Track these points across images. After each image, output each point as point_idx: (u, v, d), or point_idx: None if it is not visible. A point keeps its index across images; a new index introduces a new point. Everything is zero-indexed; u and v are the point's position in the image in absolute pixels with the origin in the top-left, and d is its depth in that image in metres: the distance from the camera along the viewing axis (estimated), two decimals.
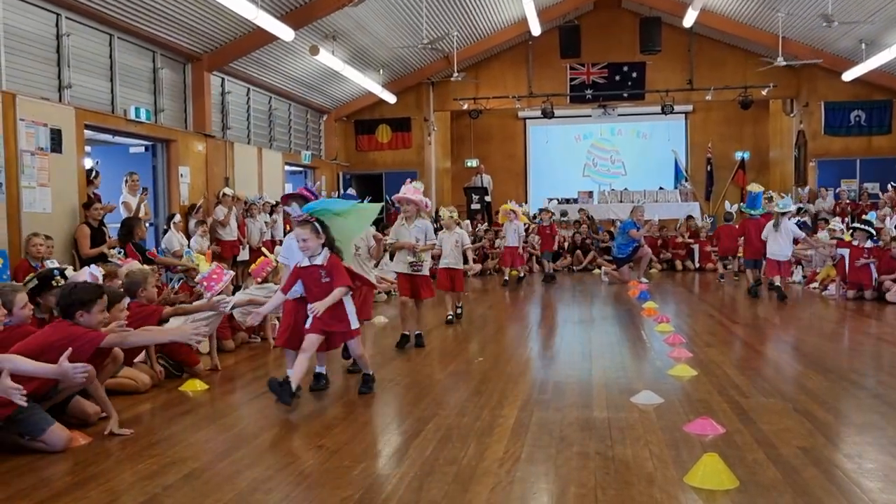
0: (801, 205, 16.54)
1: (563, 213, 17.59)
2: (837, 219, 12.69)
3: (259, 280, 7.31)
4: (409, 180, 6.96)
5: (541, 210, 15.05)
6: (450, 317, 8.48)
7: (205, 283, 6.38)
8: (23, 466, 3.77)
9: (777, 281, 10.13)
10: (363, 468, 3.68)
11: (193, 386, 5.45)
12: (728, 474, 3.33)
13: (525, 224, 13.54)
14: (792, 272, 11.74)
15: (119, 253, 8.82)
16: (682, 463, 3.60)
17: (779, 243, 10.15)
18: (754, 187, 11.40)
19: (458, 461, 3.71)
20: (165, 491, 3.40)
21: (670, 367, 5.77)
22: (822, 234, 12.23)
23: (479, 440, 4.04)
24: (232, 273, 7.36)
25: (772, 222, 10.26)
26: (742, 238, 11.52)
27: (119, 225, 9.33)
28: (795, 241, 10.54)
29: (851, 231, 10.38)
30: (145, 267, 6.90)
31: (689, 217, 16.36)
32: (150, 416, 4.78)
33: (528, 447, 3.91)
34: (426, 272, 7.06)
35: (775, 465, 3.57)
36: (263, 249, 10.28)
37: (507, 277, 13.11)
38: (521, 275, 13.50)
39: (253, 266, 7.68)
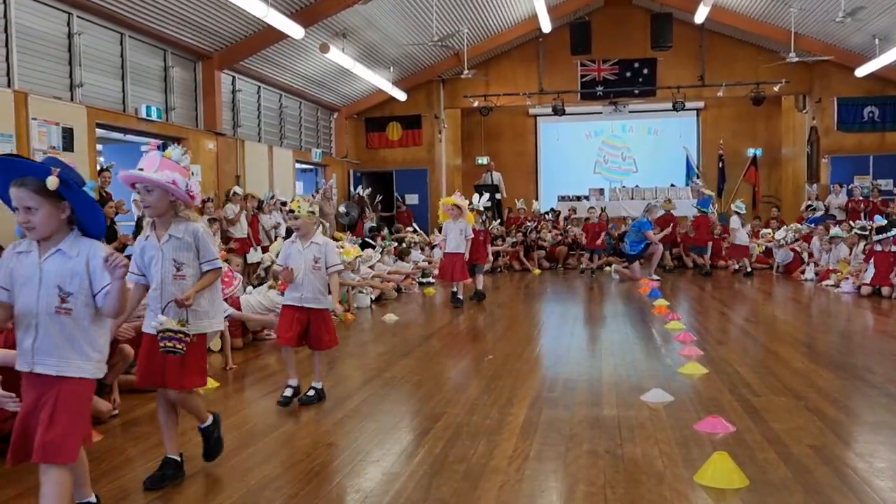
0: (811, 202, 16.44)
1: (574, 210, 17.60)
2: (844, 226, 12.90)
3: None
4: (150, 142, 3.57)
5: (472, 209, 10.23)
6: (311, 392, 4.91)
7: None
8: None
9: (740, 264, 13.69)
10: (373, 466, 3.69)
11: None
12: (738, 473, 3.33)
13: (479, 225, 10.71)
14: (803, 270, 12.92)
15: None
16: (691, 461, 3.59)
17: (742, 235, 13.59)
18: (707, 192, 14.64)
19: (467, 459, 3.71)
20: (176, 488, 3.43)
21: (681, 364, 5.76)
22: (835, 230, 12.31)
23: (488, 438, 4.04)
24: (241, 277, 7.33)
25: (737, 219, 13.40)
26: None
27: (133, 223, 9.44)
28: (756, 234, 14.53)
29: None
30: None
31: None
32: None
33: (538, 445, 3.91)
34: (207, 330, 3.56)
35: (786, 464, 3.55)
36: None
37: (459, 294, 9.71)
38: (476, 290, 10.35)
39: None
